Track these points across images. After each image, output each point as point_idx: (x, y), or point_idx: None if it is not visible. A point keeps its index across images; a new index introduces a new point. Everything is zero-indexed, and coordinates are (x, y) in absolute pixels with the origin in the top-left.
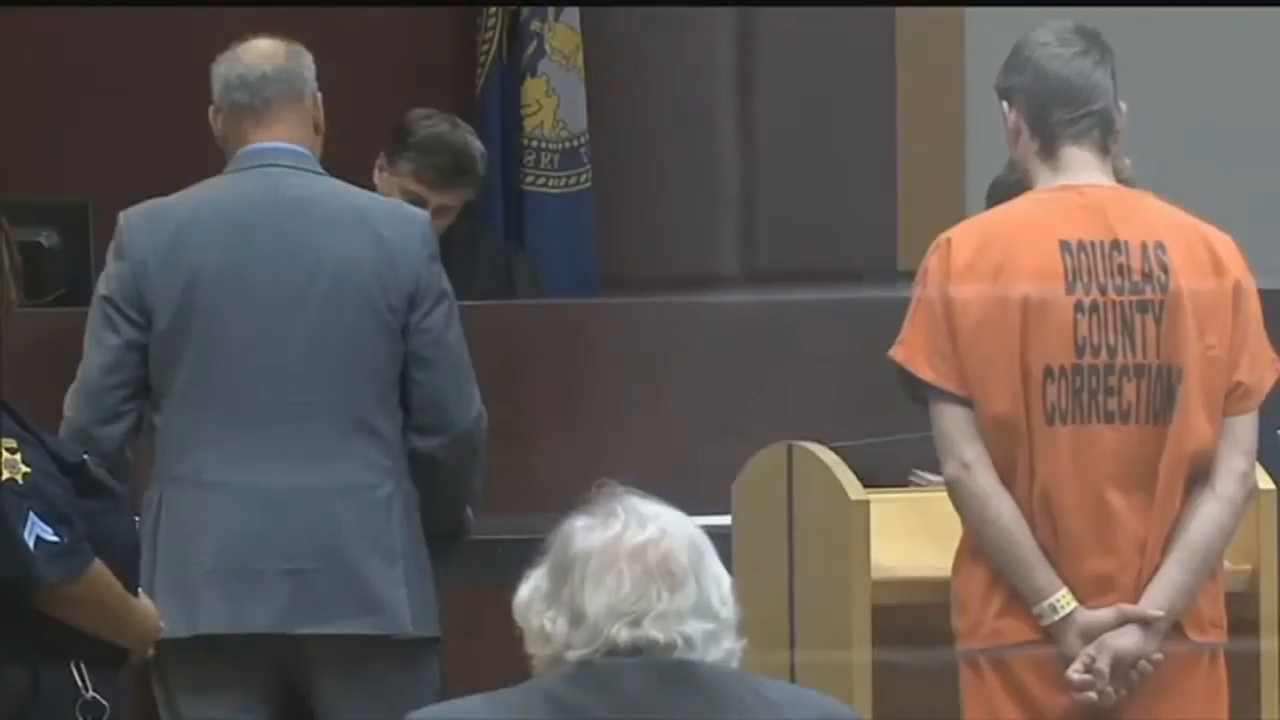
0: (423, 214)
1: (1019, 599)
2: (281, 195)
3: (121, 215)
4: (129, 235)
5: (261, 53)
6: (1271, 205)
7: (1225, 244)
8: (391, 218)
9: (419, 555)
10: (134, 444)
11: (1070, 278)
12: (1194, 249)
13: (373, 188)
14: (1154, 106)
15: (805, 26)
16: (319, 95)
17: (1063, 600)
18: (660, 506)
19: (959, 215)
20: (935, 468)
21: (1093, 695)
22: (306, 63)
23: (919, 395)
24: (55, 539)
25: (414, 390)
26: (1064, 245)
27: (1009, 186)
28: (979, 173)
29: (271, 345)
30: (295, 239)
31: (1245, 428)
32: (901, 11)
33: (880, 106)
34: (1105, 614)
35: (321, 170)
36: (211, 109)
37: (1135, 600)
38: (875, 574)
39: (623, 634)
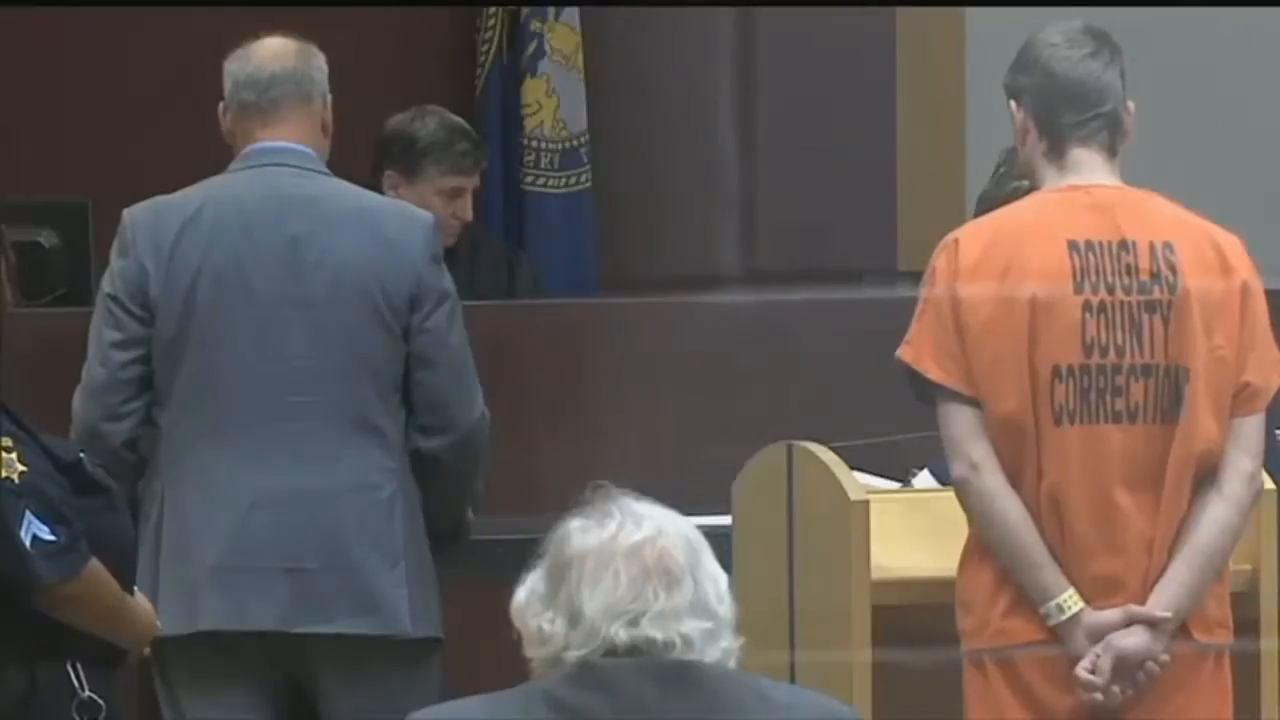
0: (428, 215)
1: (1025, 599)
2: (285, 194)
3: (126, 212)
4: (133, 232)
5: (272, 52)
6: (1272, 205)
7: (1233, 245)
8: (396, 218)
9: (421, 556)
10: (145, 439)
11: (1078, 278)
12: (1202, 249)
13: (373, 188)
14: (1154, 106)
15: (805, 26)
16: (329, 96)
17: (1069, 600)
18: (655, 506)
19: (959, 215)
20: (934, 467)
21: (1100, 695)
22: (318, 64)
23: (926, 396)
24: (52, 538)
25: (417, 391)
26: (1072, 245)
27: (997, 200)
28: (979, 173)
29: (274, 344)
30: (298, 238)
31: (1252, 429)
32: (901, 11)
33: (880, 106)
34: (1112, 614)
35: (326, 170)
36: (221, 106)
37: (1142, 601)
38: (875, 574)
39: (621, 634)
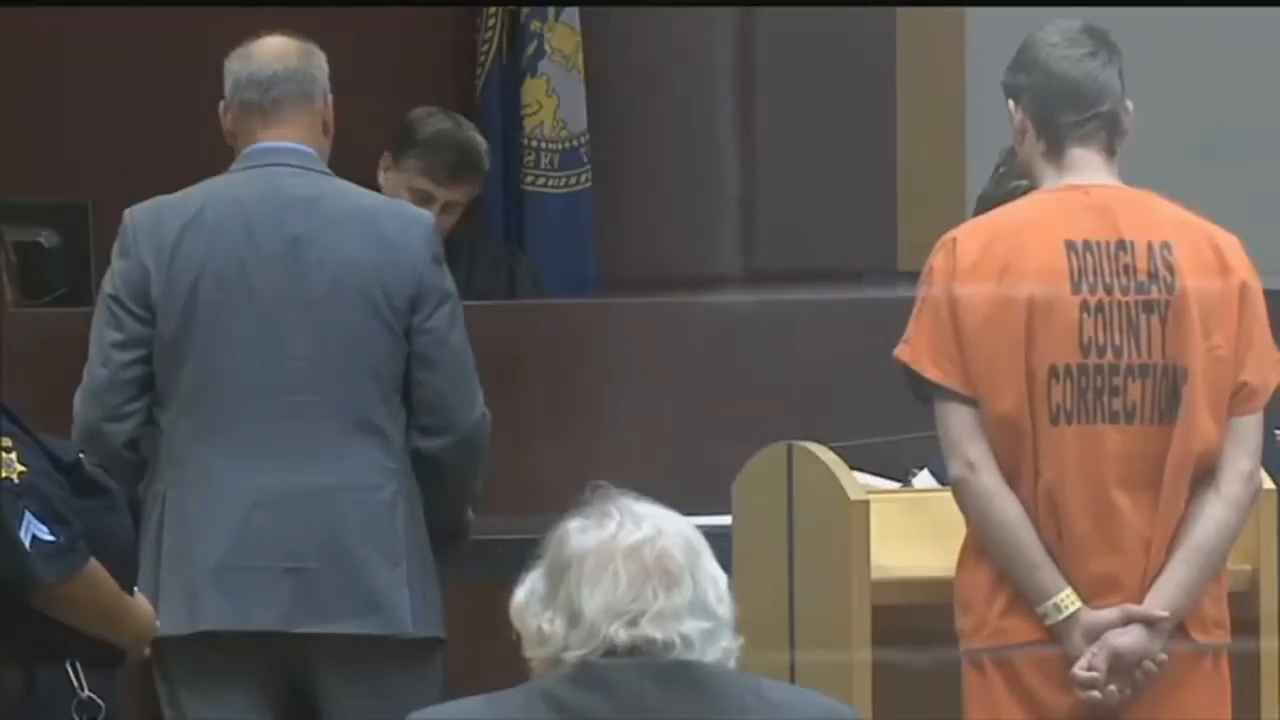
0: (427, 215)
1: (1023, 599)
2: (286, 194)
3: (127, 213)
4: (134, 233)
5: (273, 51)
6: (1271, 205)
7: (1231, 244)
8: (396, 218)
9: (422, 556)
10: (146, 440)
11: (1076, 277)
12: (1200, 249)
13: (374, 187)
14: (1154, 106)
15: (805, 26)
16: (330, 96)
17: (1067, 600)
18: (654, 506)
19: (959, 215)
20: (934, 467)
21: (1097, 694)
22: (319, 63)
23: (925, 395)
24: (51, 538)
25: (417, 391)
26: (1069, 245)
27: (996, 200)
28: (979, 173)
29: (275, 344)
30: (299, 238)
31: (1250, 428)
32: (901, 11)
33: (880, 106)
34: (1109, 614)
35: (327, 170)
36: (222, 105)
37: (1140, 600)
38: (875, 574)
39: (620, 634)
